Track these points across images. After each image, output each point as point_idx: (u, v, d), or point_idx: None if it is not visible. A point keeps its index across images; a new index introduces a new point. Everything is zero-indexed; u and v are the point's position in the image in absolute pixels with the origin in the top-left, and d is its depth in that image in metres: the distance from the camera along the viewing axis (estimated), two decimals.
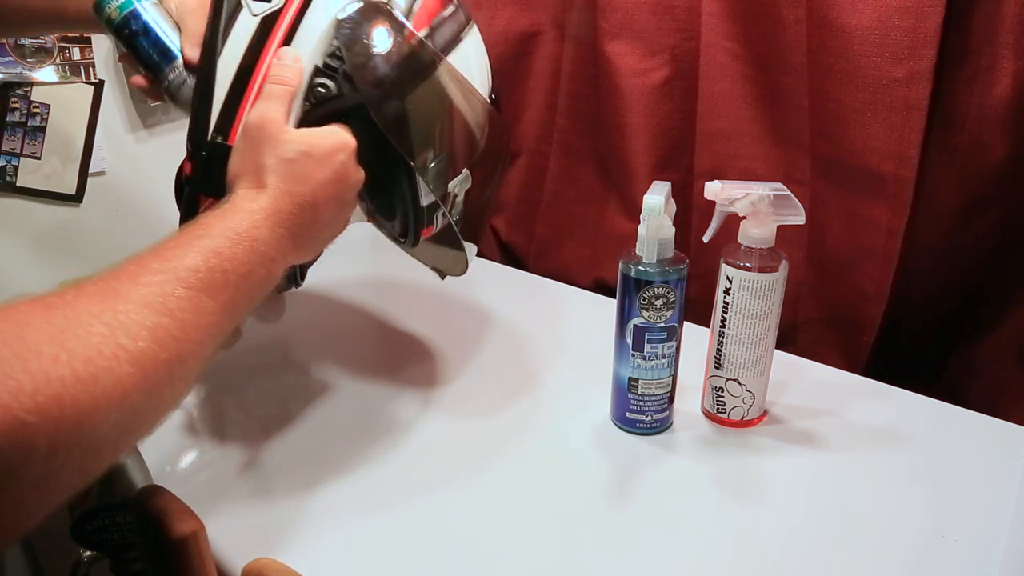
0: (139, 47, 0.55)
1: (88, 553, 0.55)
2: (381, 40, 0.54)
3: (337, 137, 0.51)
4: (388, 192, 0.59)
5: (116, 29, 0.55)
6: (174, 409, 0.38)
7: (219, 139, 0.52)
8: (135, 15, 0.54)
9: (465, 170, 0.60)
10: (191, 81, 0.54)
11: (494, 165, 0.67)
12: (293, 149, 0.49)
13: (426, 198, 0.59)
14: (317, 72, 0.53)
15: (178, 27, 0.55)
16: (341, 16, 0.53)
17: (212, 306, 0.40)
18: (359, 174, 0.53)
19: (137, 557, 0.53)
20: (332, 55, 0.53)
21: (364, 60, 0.53)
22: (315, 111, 0.52)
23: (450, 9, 0.59)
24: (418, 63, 0.56)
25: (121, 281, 0.37)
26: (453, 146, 0.59)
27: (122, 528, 0.52)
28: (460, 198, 0.61)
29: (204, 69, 0.52)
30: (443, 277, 0.73)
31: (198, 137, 0.52)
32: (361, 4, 0.54)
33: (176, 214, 0.54)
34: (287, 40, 0.52)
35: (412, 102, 0.55)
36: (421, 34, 0.56)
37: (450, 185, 0.59)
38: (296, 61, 0.52)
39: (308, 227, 0.49)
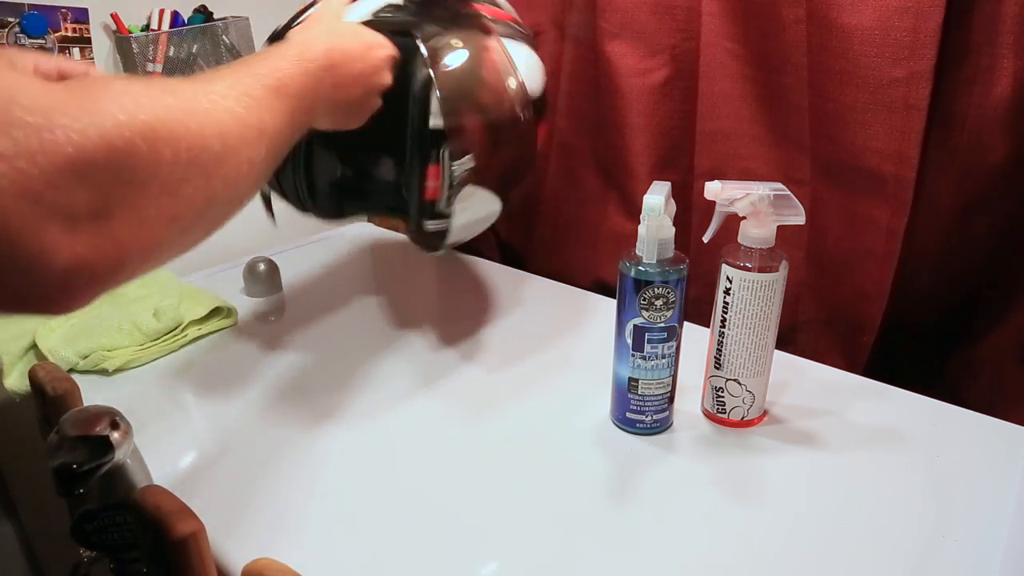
0: None
1: (88, 553, 0.55)
2: None
3: (383, 37, 0.59)
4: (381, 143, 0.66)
5: None
6: (248, 193, 0.43)
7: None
8: None
9: (470, 157, 0.64)
10: None
11: (511, 171, 0.71)
12: (345, 27, 0.58)
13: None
14: (391, 7, 0.63)
15: None
16: None
17: (280, 107, 0.45)
18: (387, 79, 0.60)
19: (137, 557, 0.53)
20: None
21: None
22: (373, 25, 0.60)
23: (520, 27, 0.70)
24: (477, 24, 0.67)
25: (196, 82, 0.40)
26: (468, 116, 0.64)
27: (122, 528, 0.52)
28: (456, 175, 0.64)
29: None
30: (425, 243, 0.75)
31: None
32: None
33: None
34: None
35: (457, 43, 0.63)
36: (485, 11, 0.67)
37: (455, 164, 0.63)
38: None
39: (333, 88, 0.54)
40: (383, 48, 0.59)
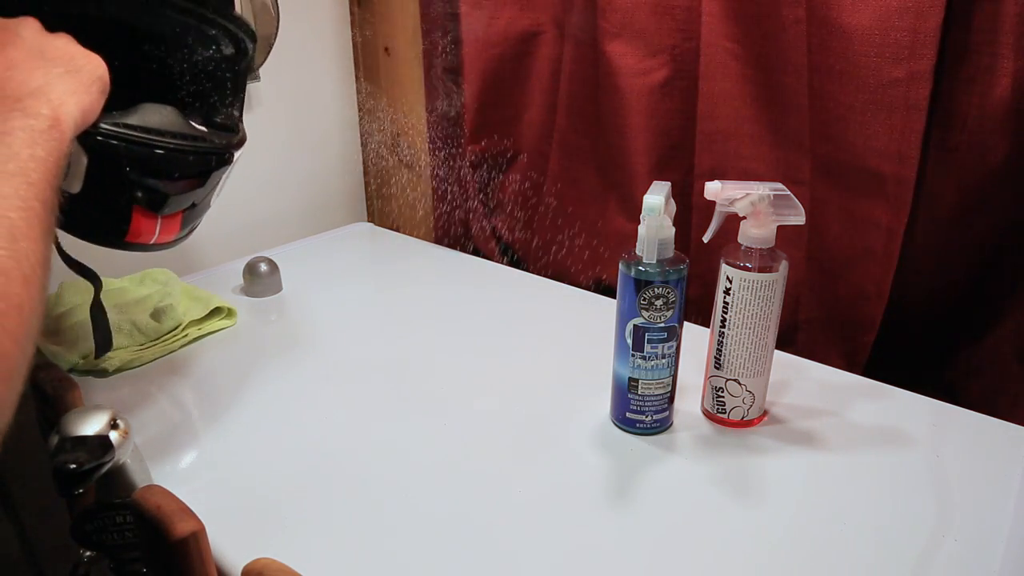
0: None
1: (88, 553, 0.55)
2: None
3: (96, 58, 0.47)
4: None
5: None
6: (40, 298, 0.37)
7: None
8: None
9: None
10: None
11: None
12: (69, 66, 0.45)
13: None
14: None
15: None
16: None
17: (43, 212, 0.38)
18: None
19: (137, 557, 0.53)
20: None
21: None
22: None
23: None
24: None
25: None
26: None
27: (122, 528, 0.52)
28: None
29: None
30: None
31: None
32: None
33: None
34: None
35: None
36: None
37: None
38: None
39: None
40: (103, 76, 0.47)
